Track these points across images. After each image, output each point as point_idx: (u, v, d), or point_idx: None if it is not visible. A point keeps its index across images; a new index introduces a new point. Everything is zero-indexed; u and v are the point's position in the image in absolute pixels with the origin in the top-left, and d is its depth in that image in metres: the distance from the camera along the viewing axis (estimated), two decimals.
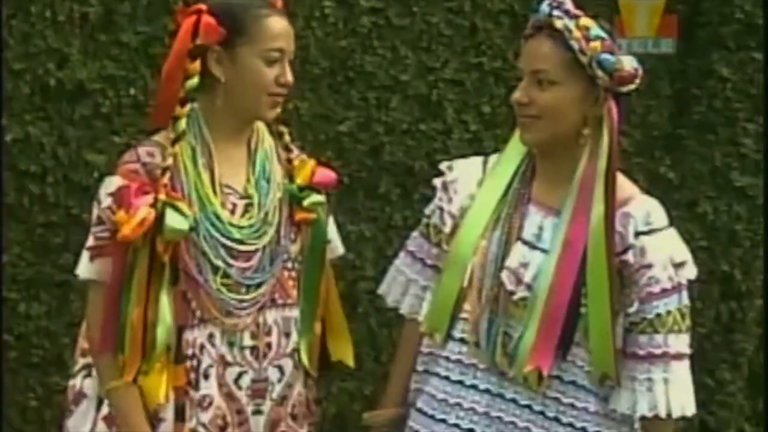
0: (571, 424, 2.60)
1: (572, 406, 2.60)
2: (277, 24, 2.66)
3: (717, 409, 4.85)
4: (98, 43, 4.00)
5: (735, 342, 4.87)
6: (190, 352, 2.66)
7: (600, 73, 2.54)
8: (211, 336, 2.68)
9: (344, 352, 2.90)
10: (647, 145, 4.76)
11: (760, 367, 5.00)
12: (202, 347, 2.67)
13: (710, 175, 4.77)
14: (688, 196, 4.76)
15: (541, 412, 2.60)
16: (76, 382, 2.75)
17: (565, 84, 2.57)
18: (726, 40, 4.71)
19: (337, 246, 2.91)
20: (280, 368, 2.76)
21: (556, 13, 2.57)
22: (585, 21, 2.57)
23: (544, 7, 2.59)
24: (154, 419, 2.65)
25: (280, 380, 2.76)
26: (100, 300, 2.64)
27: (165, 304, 2.62)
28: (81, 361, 2.75)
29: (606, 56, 2.54)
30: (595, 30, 2.56)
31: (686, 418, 2.66)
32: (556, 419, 2.60)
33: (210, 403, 2.68)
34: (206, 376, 2.68)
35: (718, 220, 4.79)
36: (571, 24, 2.56)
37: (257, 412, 2.74)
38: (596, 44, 2.54)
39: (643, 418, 2.62)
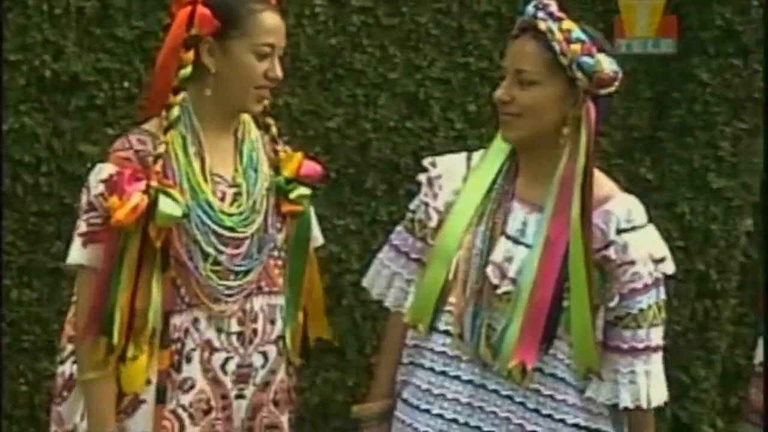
0: (550, 416, 2.62)
1: (552, 397, 2.62)
2: (271, 19, 2.67)
3: (690, 404, 4.85)
4: (93, 37, 3.99)
5: (709, 340, 4.88)
6: (176, 336, 2.67)
7: (579, 74, 2.56)
8: (195, 320, 2.68)
9: (322, 329, 2.91)
10: (627, 147, 4.75)
11: (733, 364, 5.02)
12: (186, 331, 2.68)
13: (688, 177, 4.76)
14: (667, 197, 4.75)
15: (522, 403, 2.62)
16: (66, 369, 2.75)
17: (546, 84, 2.59)
18: (706, 46, 4.70)
19: (317, 236, 2.92)
20: (265, 354, 2.77)
21: (540, 15, 2.60)
22: (568, 24, 2.60)
23: (530, 9, 2.62)
24: (135, 401, 2.66)
25: (263, 366, 2.77)
26: (91, 285, 2.62)
27: (155, 290, 2.62)
28: (69, 348, 2.75)
29: (585, 59, 2.56)
30: (577, 33, 2.59)
31: (659, 411, 2.71)
32: (536, 410, 2.62)
33: (192, 386, 2.69)
34: (188, 360, 2.68)
35: (694, 221, 4.78)
36: (554, 26, 2.59)
37: (240, 396, 2.75)
38: (577, 47, 2.56)
39: (625, 409, 2.64)
